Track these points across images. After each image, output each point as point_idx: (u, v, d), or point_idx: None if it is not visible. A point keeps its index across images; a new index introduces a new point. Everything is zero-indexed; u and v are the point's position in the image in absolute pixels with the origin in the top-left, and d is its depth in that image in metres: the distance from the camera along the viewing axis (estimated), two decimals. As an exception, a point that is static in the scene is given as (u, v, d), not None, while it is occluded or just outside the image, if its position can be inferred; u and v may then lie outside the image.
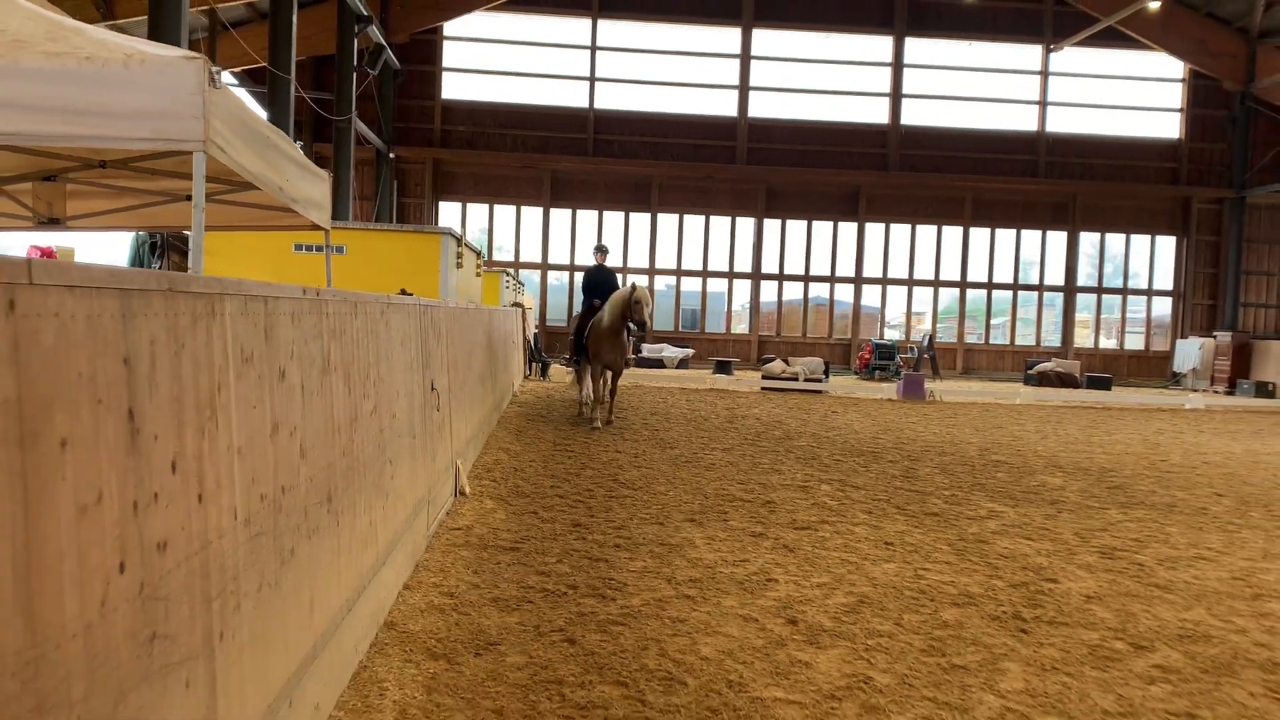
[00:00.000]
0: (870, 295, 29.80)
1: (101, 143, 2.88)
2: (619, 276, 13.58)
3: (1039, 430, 14.14)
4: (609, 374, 12.03)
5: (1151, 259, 30.15)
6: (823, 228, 29.39)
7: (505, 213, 29.07)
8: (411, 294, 7.58)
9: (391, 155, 26.76)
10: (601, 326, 11.72)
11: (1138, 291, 30.21)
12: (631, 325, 11.40)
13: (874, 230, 29.41)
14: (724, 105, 28.87)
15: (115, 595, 1.67)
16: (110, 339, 1.68)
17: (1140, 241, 30.09)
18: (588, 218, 29.02)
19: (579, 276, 28.29)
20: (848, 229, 29.35)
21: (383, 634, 3.98)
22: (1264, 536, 7.00)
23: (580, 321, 12.62)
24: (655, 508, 7.01)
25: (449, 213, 28.94)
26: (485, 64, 28.63)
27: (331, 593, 3.19)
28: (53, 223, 4.59)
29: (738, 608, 4.64)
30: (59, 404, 1.51)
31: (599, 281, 12.72)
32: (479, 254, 17.29)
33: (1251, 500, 8.62)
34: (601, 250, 13.24)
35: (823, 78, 29.15)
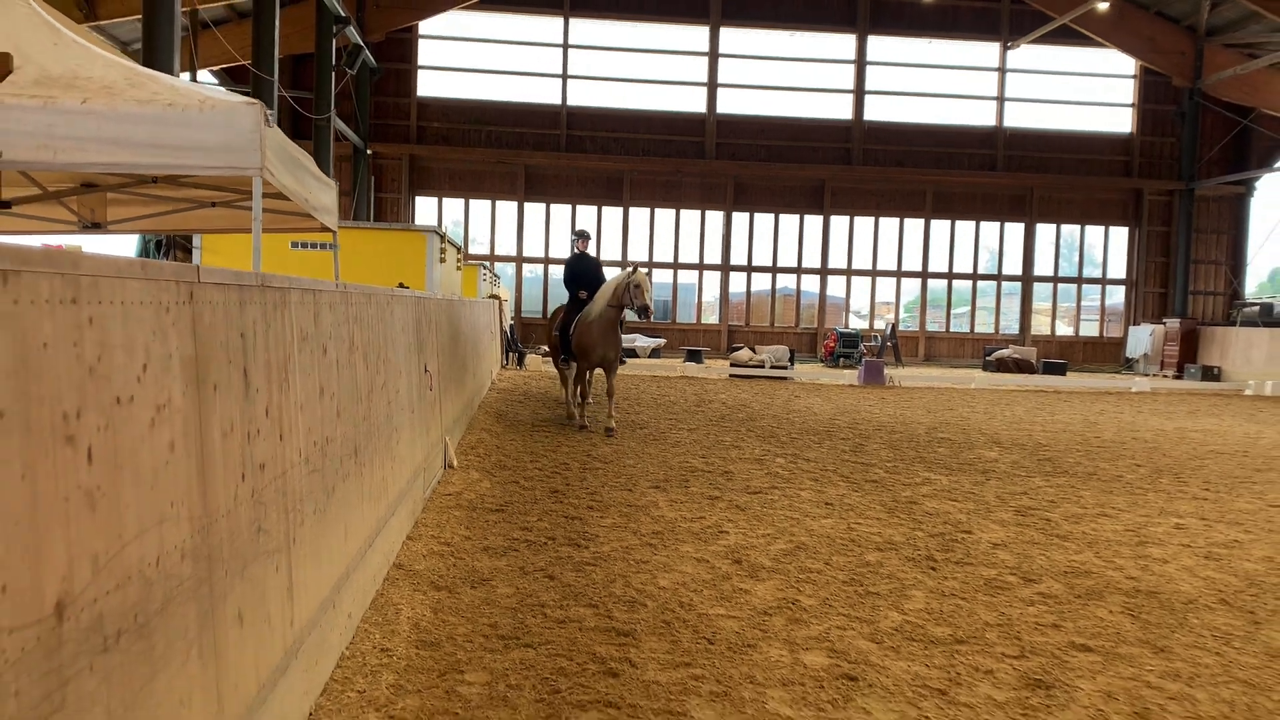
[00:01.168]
0: (836, 286, 30.73)
1: (181, 170, 3.61)
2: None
3: (987, 412, 15.06)
4: (603, 371, 10.80)
5: (1105, 249, 31.31)
6: (789, 220, 30.27)
7: (480, 207, 29.67)
8: (409, 288, 8.28)
9: (369, 151, 27.27)
10: (590, 319, 10.43)
11: (1092, 280, 31.37)
12: (633, 312, 10.28)
13: (839, 223, 30.33)
14: (693, 102, 29.63)
15: (240, 494, 2.43)
16: (235, 319, 2.44)
17: (1094, 232, 31.25)
18: (561, 212, 29.69)
19: (554, 269, 29.09)
20: (813, 221, 30.25)
21: (393, 572, 4.75)
22: (1165, 499, 7.90)
23: (564, 317, 11.16)
24: (624, 477, 7.80)
25: (425, 207, 29.50)
26: (460, 62, 29.19)
27: (358, 527, 3.95)
28: (95, 226, 5.27)
29: (692, 552, 5.44)
30: (212, 361, 2.26)
31: (582, 271, 11.23)
32: (459, 249, 17.96)
33: (1165, 470, 9.53)
34: (583, 236, 11.54)
35: (789, 75, 29.98)
